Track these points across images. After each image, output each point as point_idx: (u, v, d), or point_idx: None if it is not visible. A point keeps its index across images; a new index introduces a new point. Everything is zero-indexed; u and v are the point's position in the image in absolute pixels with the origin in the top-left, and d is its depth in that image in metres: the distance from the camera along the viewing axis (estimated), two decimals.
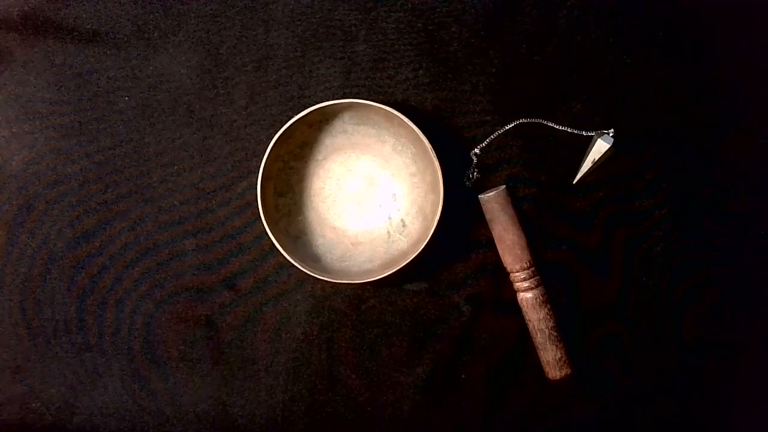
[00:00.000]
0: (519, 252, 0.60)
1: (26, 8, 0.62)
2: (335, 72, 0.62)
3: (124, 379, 0.65)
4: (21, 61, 0.62)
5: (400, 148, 0.62)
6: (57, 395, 0.65)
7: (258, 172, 0.57)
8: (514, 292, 0.62)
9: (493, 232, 0.62)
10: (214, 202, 0.64)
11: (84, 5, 0.62)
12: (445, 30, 0.62)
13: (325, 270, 0.60)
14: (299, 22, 0.62)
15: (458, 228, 0.63)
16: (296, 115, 0.57)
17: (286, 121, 0.57)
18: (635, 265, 0.64)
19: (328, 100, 0.58)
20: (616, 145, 0.60)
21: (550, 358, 0.61)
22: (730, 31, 0.62)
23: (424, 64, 0.62)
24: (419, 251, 0.57)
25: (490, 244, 0.63)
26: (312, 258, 0.61)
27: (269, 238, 0.59)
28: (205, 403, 0.65)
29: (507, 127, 0.62)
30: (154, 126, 0.63)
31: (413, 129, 0.56)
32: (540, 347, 0.61)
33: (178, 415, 0.65)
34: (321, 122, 0.60)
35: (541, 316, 0.60)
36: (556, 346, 0.60)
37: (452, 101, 0.63)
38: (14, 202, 0.63)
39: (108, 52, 0.62)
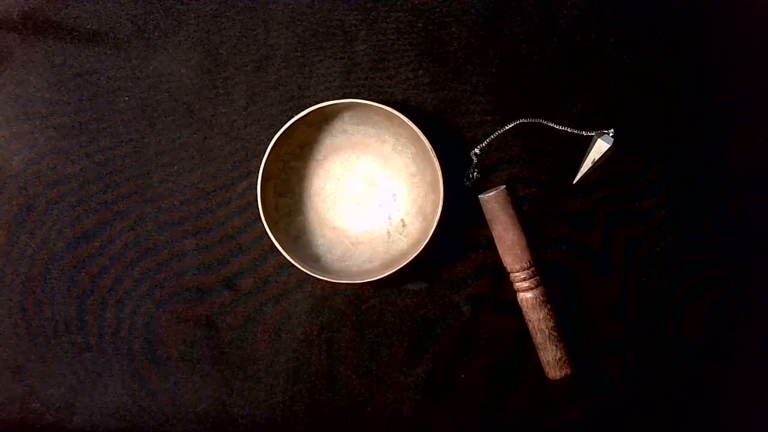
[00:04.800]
0: (519, 252, 0.60)
1: (26, 8, 0.62)
2: (335, 72, 0.62)
3: (124, 379, 0.65)
4: (21, 61, 0.62)
5: (400, 148, 0.62)
6: (57, 395, 0.65)
7: (258, 172, 0.57)
8: (514, 292, 0.62)
9: (493, 232, 0.62)
10: (214, 202, 0.64)
11: (84, 5, 0.62)
12: (445, 30, 0.62)
13: (325, 270, 0.60)
14: (299, 22, 0.62)
15: (458, 228, 0.63)
16: (296, 115, 0.57)
17: (286, 121, 0.57)
18: (635, 265, 0.64)
19: (328, 100, 0.58)
20: (616, 145, 0.60)
21: (550, 358, 0.61)
22: (730, 31, 0.62)
23: (424, 64, 0.62)
24: (419, 251, 0.57)
25: (490, 244, 0.63)
26: (312, 258, 0.61)
27: (269, 238, 0.59)
28: (205, 403, 0.65)
29: (507, 127, 0.62)
30: (154, 126, 0.63)
31: (413, 129, 0.56)
32: (540, 347, 0.61)
33: (178, 415, 0.65)
34: (321, 122, 0.60)
35: (541, 316, 0.60)
36: (556, 346, 0.60)
37: (452, 101, 0.63)
38: (14, 202, 0.63)
39: (108, 52, 0.62)
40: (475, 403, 0.65)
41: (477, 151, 0.62)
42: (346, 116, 0.60)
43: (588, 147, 0.61)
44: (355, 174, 0.63)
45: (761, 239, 0.64)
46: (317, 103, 0.58)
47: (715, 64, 0.63)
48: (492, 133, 0.63)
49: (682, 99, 0.63)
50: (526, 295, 0.60)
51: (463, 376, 0.65)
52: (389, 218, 0.63)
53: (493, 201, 0.61)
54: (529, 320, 0.61)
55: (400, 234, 0.62)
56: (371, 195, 0.63)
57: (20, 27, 0.62)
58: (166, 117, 0.63)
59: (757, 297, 0.65)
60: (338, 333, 0.64)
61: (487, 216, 0.62)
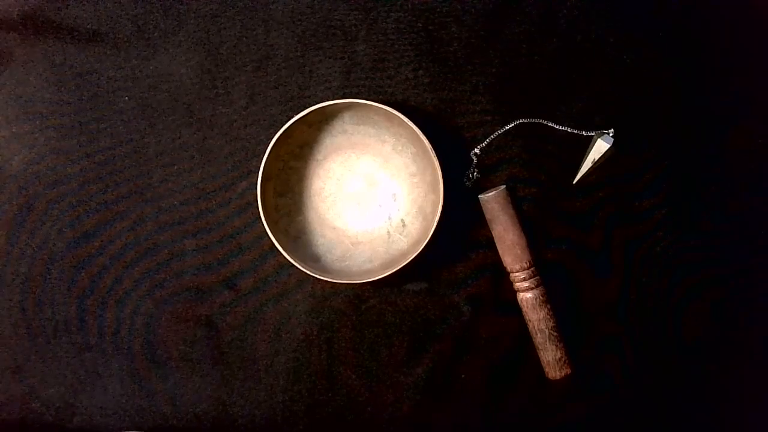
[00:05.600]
0: (519, 252, 0.60)
1: (26, 8, 0.62)
2: (335, 72, 0.62)
3: (124, 379, 0.65)
4: (21, 61, 0.62)
5: (400, 148, 0.62)
6: (57, 395, 0.65)
7: (258, 172, 0.57)
8: (514, 292, 0.62)
9: (493, 232, 0.62)
10: (214, 202, 0.64)
11: (84, 5, 0.62)
12: (445, 30, 0.62)
13: (325, 270, 0.60)
14: (299, 22, 0.62)
15: (458, 228, 0.63)
16: (296, 115, 0.57)
17: (286, 121, 0.57)
18: (635, 265, 0.64)
19: (328, 100, 0.58)
20: (616, 145, 0.60)
21: (550, 358, 0.61)
22: (730, 31, 0.62)
23: (424, 64, 0.62)
24: (419, 251, 0.57)
25: (490, 244, 0.63)
26: (312, 258, 0.61)
27: (269, 238, 0.59)
28: (205, 403, 0.65)
29: (507, 127, 0.62)
30: (154, 126, 0.63)
31: (413, 129, 0.56)
32: (540, 347, 0.61)
33: (178, 415, 0.65)
34: (321, 122, 0.60)
35: (541, 316, 0.60)
36: (556, 346, 0.60)
37: (452, 101, 0.63)
38: (14, 202, 0.63)
39: (108, 52, 0.62)
40: (475, 403, 0.65)
41: (477, 151, 0.62)
42: (346, 116, 0.60)
43: (588, 147, 0.61)
44: (355, 174, 0.63)
45: (761, 239, 0.64)
46: (317, 103, 0.58)
47: (715, 64, 0.63)
48: (492, 133, 0.63)
49: (682, 99, 0.63)
50: (526, 295, 0.60)
51: (463, 376, 0.65)
52: (389, 218, 0.63)
53: (493, 201, 0.61)
54: (529, 320, 0.61)
55: (400, 234, 0.62)
56: (371, 195, 0.63)
57: (20, 27, 0.62)
58: (166, 117, 0.63)
59: (757, 297, 0.65)
60: (338, 333, 0.64)
61: (487, 216, 0.62)
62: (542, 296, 0.60)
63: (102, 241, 0.64)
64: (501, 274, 0.64)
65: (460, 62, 0.62)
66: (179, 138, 0.63)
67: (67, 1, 0.62)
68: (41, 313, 0.64)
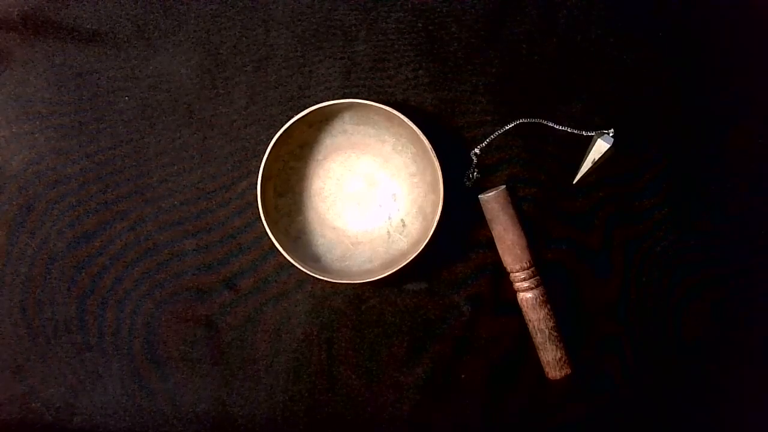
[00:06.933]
0: (519, 252, 0.60)
1: (26, 8, 0.62)
2: (335, 72, 0.62)
3: (124, 379, 0.65)
4: (21, 61, 0.62)
5: (400, 148, 0.62)
6: (57, 395, 0.65)
7: (258, 172, 0.57)
8: (514, 292, 0.62)
9: (493, 232, 0.62)
10: (214, 202, 0.64)
11: (84, 5, 0.62)
12: (445, 30, 0.62)
13: (325, 270, 0.60)
14: (299, 22, 0.62)
15: (458, 228, 0.63)
16: (296, 115, 0.57)
17: (286, 121, 0.57)
18: (635, 265, 0.64)
19: (328, 100, 0.58)
20: (616, 145, 0.60)
21: (550, 358, 0.61)
22: (730, 31, 0.62)
23: (424, 64, 0.62)
24: (419, 251, 0.57)
25: (490, 244, 0.63)
26: (312, 258, 0.61)
27: (269, 238, 0.59)
28: (205, 403, 0.65)
29: (507, 127, 0.62)
30: (154, 126, 0.63)
31: (413, 129, 0.56)
32: (540, 347, 0.61)
33: (178, 415, 0.65)
34: (321, 122, 0.60)
35: (541, 316, 0.60)
36: (556, 346, 0.60)
37: (452, 101, 0.63)
38: (14, 202, 0.63)
39: (108, 52, 0.62)
40: (475, 403, 0.65)
41: (477, 151, 0.62)
42: (346, 116, 0.60)
43: (588, 147, 0.61)
44: (355, 174, 0.63)
45: (761, 239, 0.64)
46: (317, 103, 0.58)
47: (715, 64, 0.63)
48: (492, 133, 0.63)
49: (682, 99, 0.63)
50: (526, 295, 0.60)
51: (463, 376, 0.65)
52: (389, 218, 0.63)
53: (493, 201, 0.61)
54: (529, 320, 0.61)
55: (400, 234, 0.62)
56: (371, 195, 0.63)
57: (20, 27, 0.62)
58: (166, 117, 0.63)
59: (757, 297, 0.65)
60: (338, 333, 0.64)
61: (487, 216, 0.62)
62: (542, 296, 0.60)
63: (102, 241, 0.64)
64: (501, 274, 0.64)
65: (460, 62, 0.62)
66: (179, 138, 0.63)
67: (67, 1, 0.62)
68: (41, 313, 0.64)
